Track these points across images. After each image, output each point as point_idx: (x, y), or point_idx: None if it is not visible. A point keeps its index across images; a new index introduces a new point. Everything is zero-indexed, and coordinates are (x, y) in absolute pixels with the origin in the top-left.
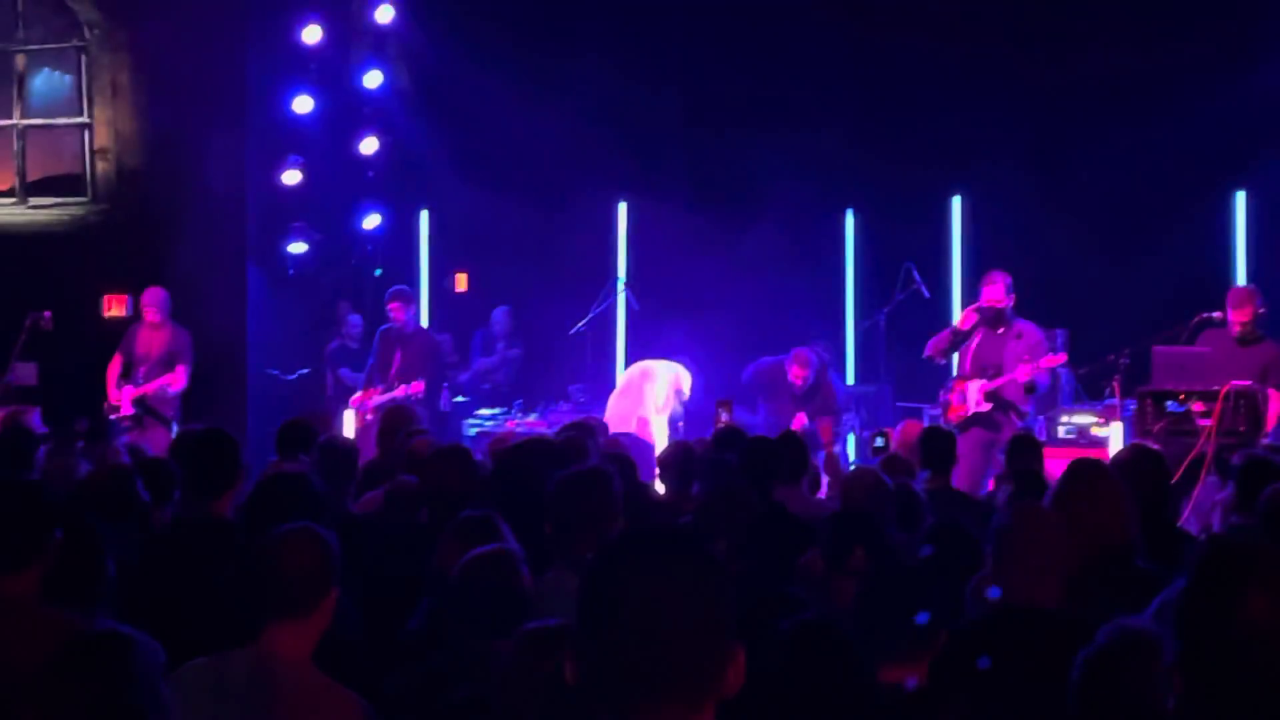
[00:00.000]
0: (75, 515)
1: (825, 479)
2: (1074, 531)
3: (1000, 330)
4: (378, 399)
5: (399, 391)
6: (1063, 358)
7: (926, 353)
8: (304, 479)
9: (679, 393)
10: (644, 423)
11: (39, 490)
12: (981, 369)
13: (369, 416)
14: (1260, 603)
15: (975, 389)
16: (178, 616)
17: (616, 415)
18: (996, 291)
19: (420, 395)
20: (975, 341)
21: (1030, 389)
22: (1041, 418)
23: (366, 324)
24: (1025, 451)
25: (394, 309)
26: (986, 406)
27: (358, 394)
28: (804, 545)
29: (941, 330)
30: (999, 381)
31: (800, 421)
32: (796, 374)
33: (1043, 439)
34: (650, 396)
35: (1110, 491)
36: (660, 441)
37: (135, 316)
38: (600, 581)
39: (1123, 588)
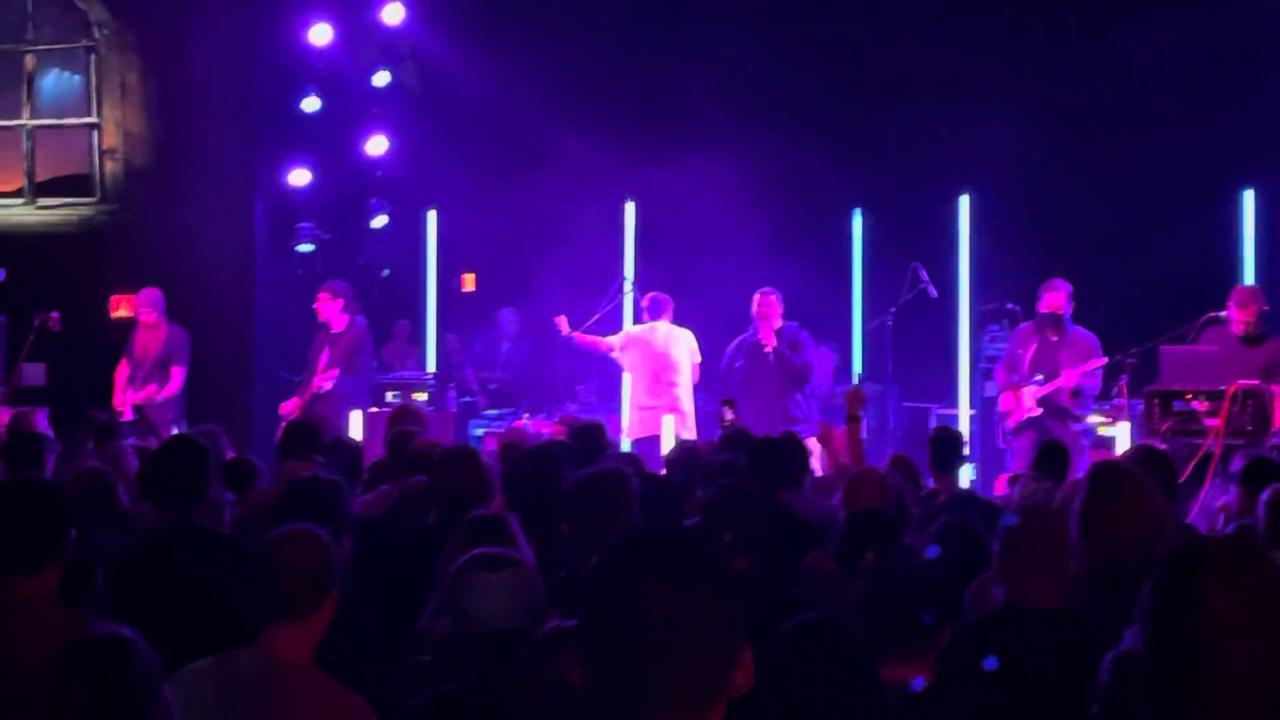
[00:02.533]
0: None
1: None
2: (1107, 536)
3: (1056, 338)
4: (303, 400)
5: (315, 385)
6: (1103, 361)
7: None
8: (331, 487)
9: (695, 366)
10: (676, 404)
11: (54, 491)
12: (1037, 374)
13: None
14: (1218, 596)
15: (1029, 394)
16: (153, 623)
17: (646, 403)
18: (1058, 299)
19: (333, 381)
20: (1033, 348)
21: (1075, 394)
22: None
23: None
24: (1051, 459)
25: (317, 305)
26: (1038, 411)
27: (289, 402)
28: (808, 546)
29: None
30: (1049, 388)
31: (769, 340)
32: (758, 302)
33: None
34: (679, 375)
35: (1141, 492)
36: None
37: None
38: (608, 583)
39: None
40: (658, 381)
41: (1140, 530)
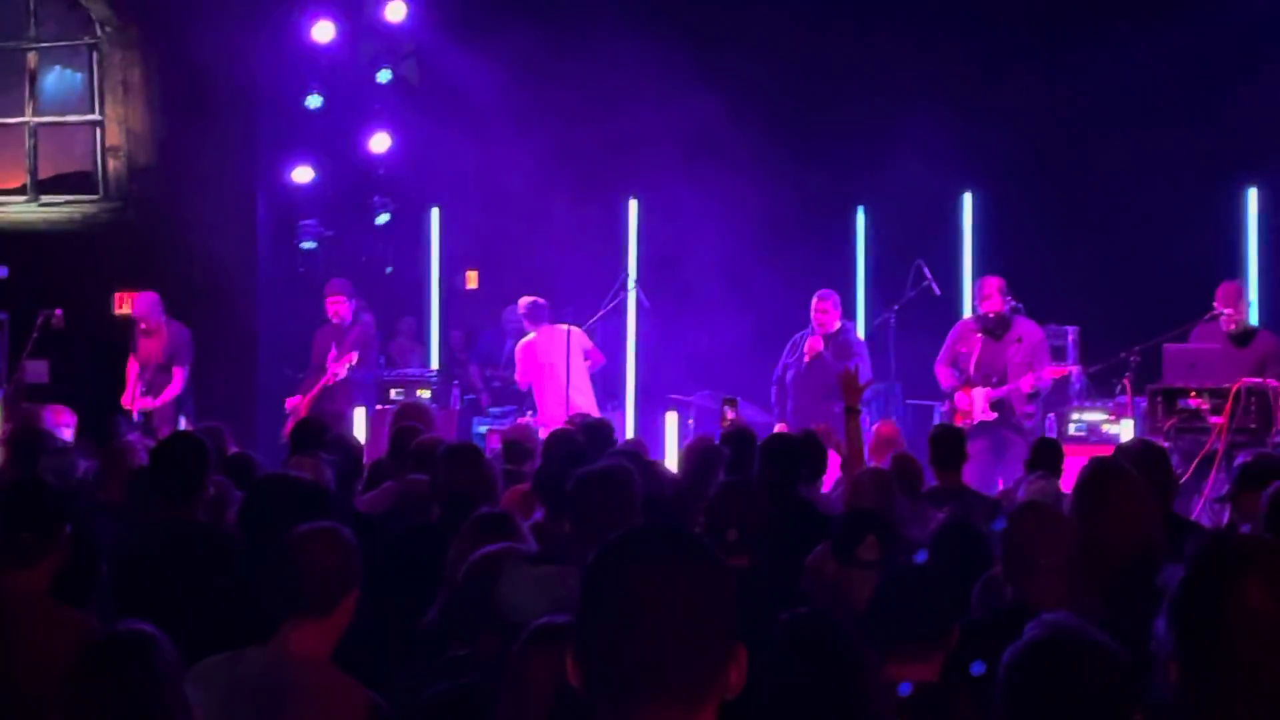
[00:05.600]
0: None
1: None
2: (1099, 534)
3: (1001, 336)
4: (313, 395)
5: (330, 371)
6: (1066, 370)
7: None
8: (308, 481)
9: (588, 351)
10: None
11: (46, 486)
12: (985, 376)
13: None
14: (1258, 593)
15: (980, 397)
16: (151, 619)
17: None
18: (994, 304)
19: (353, 364)
20: (978, 349)
21: (1033, 397)
22: (1052, 415)
23: (378, 321)
24: (1046, 456)
25: (333, 303)
26: (992, 416)
27: (295, 398)
28: (819, 541)
29: (942, 366)
30: (1003, 390)
31: (815, 346)
32: (818, 308)
33: (1053, 436)
34: (575, 365)
35: (1132, 489)
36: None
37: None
38: (602, 579)
39: (1152, 586)
40: (558, 385)
41: (1132, 529)
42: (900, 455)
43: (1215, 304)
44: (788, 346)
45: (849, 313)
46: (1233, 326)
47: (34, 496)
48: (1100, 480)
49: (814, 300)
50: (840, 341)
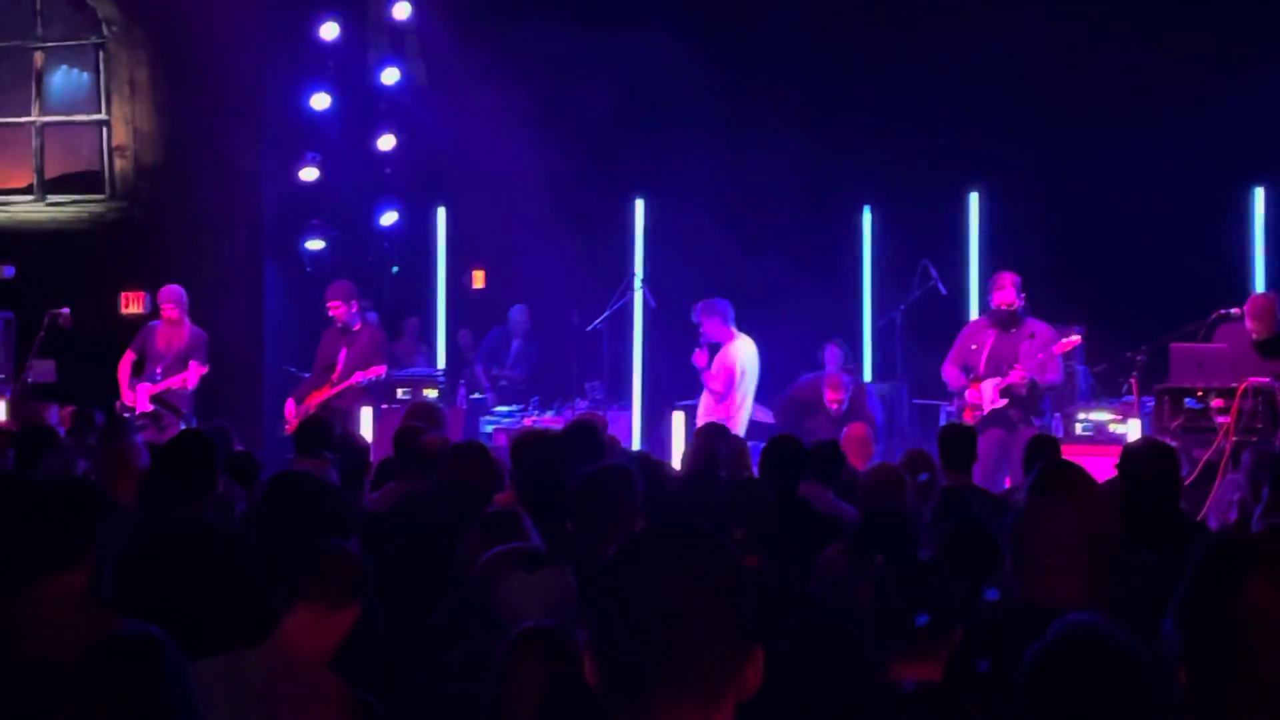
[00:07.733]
0: None
1: None
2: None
3: (1013, 331)
4: (325, 395)
5: (355, 379)
6: (1076, 341)
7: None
8: (319, 480)
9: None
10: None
11: (91, 487)
12: (996, 368)
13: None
14: (1264, 592)
15: (990, 387)
16: (155, 619)
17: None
18: (1007, 295)
19: (382, 377)
20: (989, 343)
21: (1032, 387)
22: (1058, 414)
23: (384, 320)
24: (1043, 451)
25: (333, 307)
26: (1003, 403)
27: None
28: (826, 542)
29: (950, 370)
30: (1011, 378)
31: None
32: (831, 399)
33: (1060, 436)
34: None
35: (1085, 488)
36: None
37: (153, 314)
38: (621, 577)
39: (1126, 578)
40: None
41: (1093, 525)
42: (916, 453)
43: (1245, 313)
44: (807, 382)
45: (856, 311)
46: (1257, 337)
47: (74, 497)
48: (1046, 488)
49: (826, 390)
50: (856, 410)
